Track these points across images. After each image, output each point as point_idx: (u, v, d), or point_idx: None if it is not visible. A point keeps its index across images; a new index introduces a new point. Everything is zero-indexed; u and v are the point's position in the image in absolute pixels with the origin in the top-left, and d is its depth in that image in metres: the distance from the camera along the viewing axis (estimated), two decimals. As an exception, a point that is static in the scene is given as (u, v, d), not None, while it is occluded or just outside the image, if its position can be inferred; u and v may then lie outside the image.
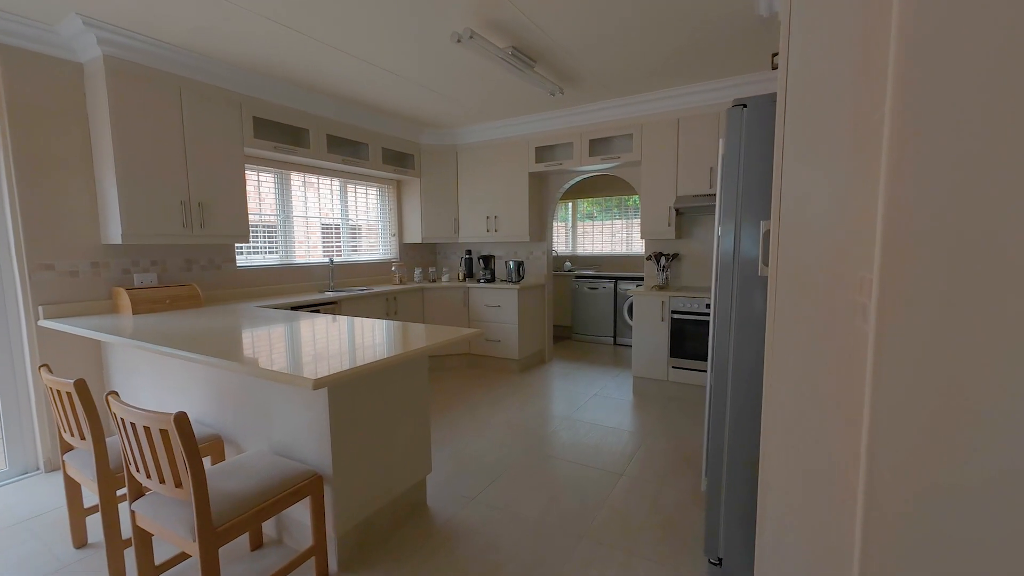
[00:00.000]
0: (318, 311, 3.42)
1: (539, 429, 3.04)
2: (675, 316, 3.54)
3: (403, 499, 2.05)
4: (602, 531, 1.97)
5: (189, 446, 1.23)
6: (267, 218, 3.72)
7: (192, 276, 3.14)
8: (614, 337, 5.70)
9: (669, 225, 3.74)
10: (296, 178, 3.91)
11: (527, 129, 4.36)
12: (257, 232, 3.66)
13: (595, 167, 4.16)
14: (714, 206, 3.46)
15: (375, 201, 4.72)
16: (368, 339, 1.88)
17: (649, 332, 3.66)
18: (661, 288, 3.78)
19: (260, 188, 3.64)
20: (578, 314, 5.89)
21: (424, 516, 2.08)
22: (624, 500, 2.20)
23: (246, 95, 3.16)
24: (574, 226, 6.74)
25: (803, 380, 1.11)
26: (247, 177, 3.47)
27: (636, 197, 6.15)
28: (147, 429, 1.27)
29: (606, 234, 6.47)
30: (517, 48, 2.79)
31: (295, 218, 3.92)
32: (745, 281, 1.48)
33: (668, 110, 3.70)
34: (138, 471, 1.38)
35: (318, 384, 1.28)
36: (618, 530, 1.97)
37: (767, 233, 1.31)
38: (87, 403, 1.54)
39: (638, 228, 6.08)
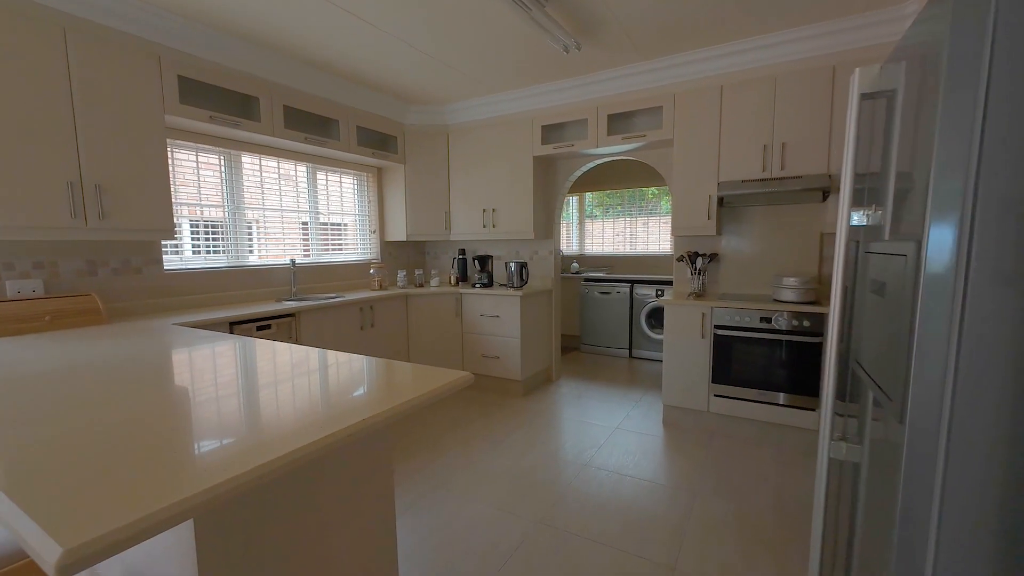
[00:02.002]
0: (269, 326, 2.69)
1: (551, 483, 2.32)
2: (719, 332, 2.83)
3: (352, 633, 1.32)
4: None
5: None
6: (210, 210, 2.98)
7: (98, 283, 2.41)
8: (630, 349, 4.99)
9: (709, 218, 3.02)
10: (249, 161, 3.17)
11: (532, 104, 3.63)
12: (196, 227, 2.93)
13: (614, 149, 3.44)
14: (768, 194, 2.76)
15: (351, 192, 3.99)
16: (295, 390, 1.15)
17: (684, 351, 2.94)
18: (698, 296, 3.06)
19: (200, 171, 2.90)
20: (588, 322, 5.18)
21: (385, 658, 1.36)
22: (686, 621, 1.48)
23: (167, 47, 2.43)
24: (581, 223, 6.02)
25: None
26: (177, 156, 2.74)
27: (651, 190, 5.43)
28: None
29: (618, 232, 5.75)
30: (524, -25, 2.07)
31: (248, 210, 3.18)
32: (991, 303, 0.76)
33: (709, 75, 2.98)
34: None
35: (64, 566, 0.55)
36: None
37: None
38: None
39: (650, 225, 5.36)
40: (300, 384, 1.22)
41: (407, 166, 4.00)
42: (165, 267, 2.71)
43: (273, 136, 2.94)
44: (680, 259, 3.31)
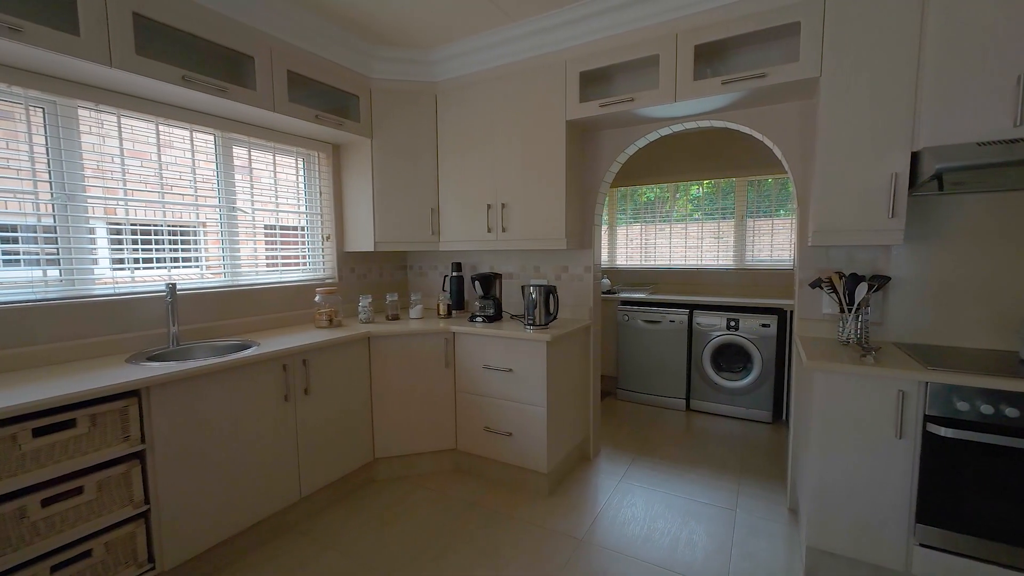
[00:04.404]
0: (72, 423, 1.37)
1: None
2: (937, 430, 1.49)
3: None
4: None
5: None
6: (23, 199, 1.68)
7: None
8: (687, 399, 3.64)
9: (892, 215, 1.69)
10: (105, 121, 1.87)
11: (565, 38, 2.32)
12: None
13: (701, 104, 2.12)
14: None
15: (292, 177, 2.68)
16: None
17: (856, 457, 1.60)
18: (863, 350, 1.73)
19: (-18, 131, 1.61)
20: (627, 360, 3.84)
21: None
22: None
23: None
24: (612, 227, 4.70)
25: None
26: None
27: (651, 189, 4.11)
28: None
29: (647, 240, 4.42)
30: None
31: (93, 201, 1.88)
32: None
33: (896, -44, 1.67)
34: None
35: None
36: None
37: None
38: None
39: (703, 232, 3.88)
40: None
41: (375, 140, 2.69)
42: None
43: (111, 67, 1.63)
44: (817, 284, 1.97)
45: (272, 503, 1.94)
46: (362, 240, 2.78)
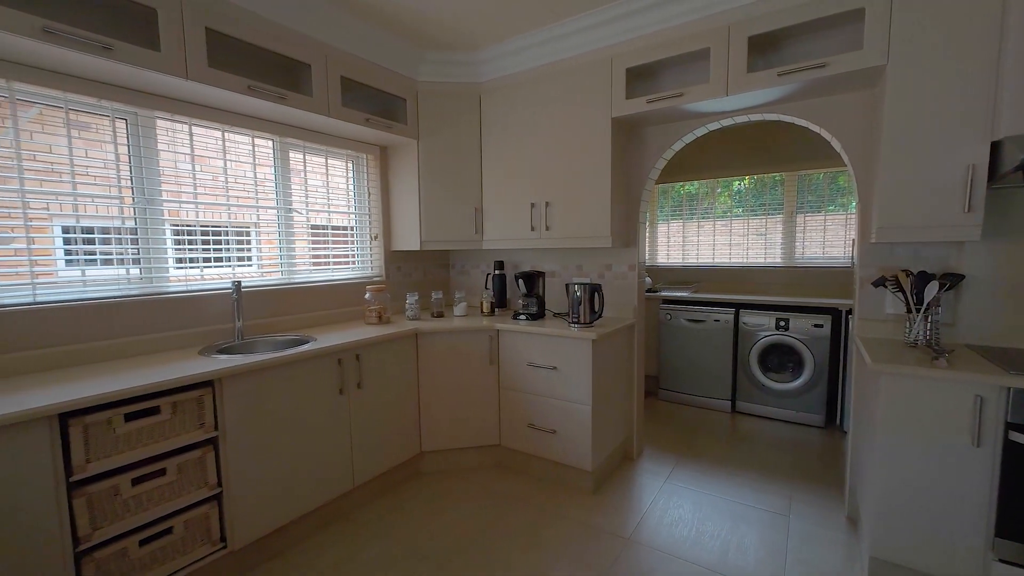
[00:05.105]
0: (156, 410, 1.49)
1: None
2: (1019, 439, 1.40)
3: None
4: None
5: None
6: (101, 203, 1.84)
7: None
8: (733, 401, 3.54)
9: (968, 209, 1.59)
10: (176, 130, 2.01)
11: (611, 35, 2.31)
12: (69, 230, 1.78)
13: (754, 97, 2.06)
14: None
15: (341, 178, 2.79)
16: None
17: (926, 465, 1.52)
18: (935, 351, 1.64)
19: (73, 141, 1.76)
20: (670, 360, 3.77)
21: None
22: None
23: None
24: (653, 223, 4.63)
25: None
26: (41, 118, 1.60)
27: (686, 187, 3.97)
28: None
29: (696, 234, 4.32)
30: None
31: (168, 203, 2.02)
32: None
33: (974, -66, 1.58)
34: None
35: None
36: None
37: None
38: None
39: (749, 228, 3.71)
40: None
41: (421, 142, 2.76)
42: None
43: (187, 79, 1.75)
44: (881, 283, 1.88)
45: (328, 491, 2.03)
46: (408, 239, 2.86)
